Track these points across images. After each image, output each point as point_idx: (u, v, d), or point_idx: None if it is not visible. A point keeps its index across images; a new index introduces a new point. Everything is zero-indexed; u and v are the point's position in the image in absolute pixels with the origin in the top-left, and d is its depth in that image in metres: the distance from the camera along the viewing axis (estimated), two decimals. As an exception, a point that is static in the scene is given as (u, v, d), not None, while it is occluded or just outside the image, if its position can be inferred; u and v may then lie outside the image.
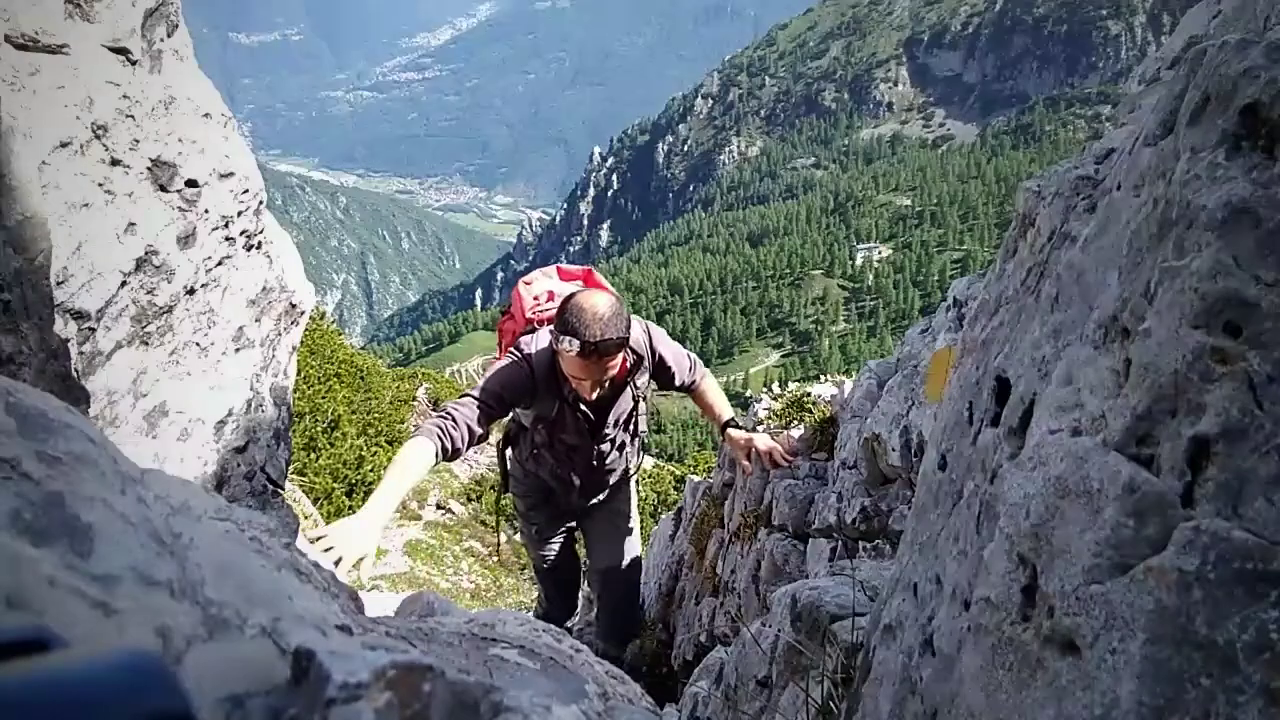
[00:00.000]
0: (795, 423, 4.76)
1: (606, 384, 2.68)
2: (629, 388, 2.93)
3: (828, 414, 4.49)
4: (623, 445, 3.20)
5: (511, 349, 2.77)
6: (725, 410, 3.27)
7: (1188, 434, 0.42)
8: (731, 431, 3.22)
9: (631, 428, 3.16)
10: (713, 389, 3.21)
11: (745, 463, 3.30)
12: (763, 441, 3.22)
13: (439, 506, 12.24)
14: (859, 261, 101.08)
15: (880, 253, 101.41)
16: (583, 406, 2.84)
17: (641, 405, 3.05)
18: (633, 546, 3.60)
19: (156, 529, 0.39)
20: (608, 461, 3.18)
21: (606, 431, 3.03)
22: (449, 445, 2.44)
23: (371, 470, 9.20)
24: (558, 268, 3.17)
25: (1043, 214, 0.71)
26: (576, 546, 3.90)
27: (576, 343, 2.40)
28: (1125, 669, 0.41)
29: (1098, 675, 0.43)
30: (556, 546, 3.65)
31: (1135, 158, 0.55)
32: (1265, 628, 0.36)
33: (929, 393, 2.76)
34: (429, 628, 0.59)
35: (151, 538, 0.38)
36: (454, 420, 2.46)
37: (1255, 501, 0.38)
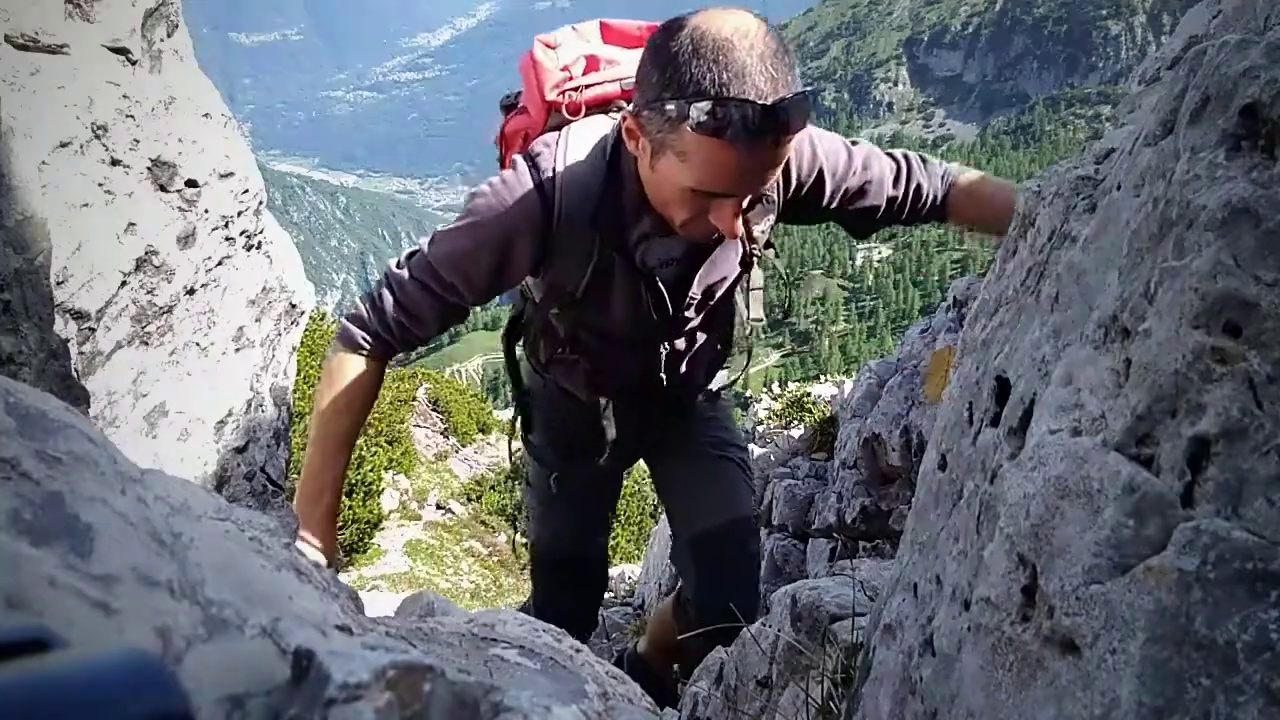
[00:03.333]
0: (795, 423, 4.76)
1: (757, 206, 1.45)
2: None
3: (828, 414, 4.49)
4: (716, 345, 1.89)
5: (518, 158, 1.52)
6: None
7: (1188, 434, 0.42)
8: None
9: (735, 313, 1.82)
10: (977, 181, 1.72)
11: None
12: None
13: (439, 506, 12.24)
14: (859, 261, 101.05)
15: (880, 253, 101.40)
16: (647, 262, 1.58)
17: (756, 271, 1.73)
18: (742, 496, 2.07)
19: (156, 529, 0.39)
20: (685, 372, 1.86)
21: (687, 316, 1.72)
22: (383, 364, 1.55)
23: (371, 470, 9.20)
24: (601, 23, 1.78)
25: (1043, 214, 0.71)
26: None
27: (736, 113, 1.20)
28: (1125, 669, 0.41)
29: (1098, 675, 0.43)
30: (582, 519, 2.18)
31: (1135, 158, 0.55)
32: (1265, 628, 0.36)
33: (929, 393, 2.76)
34: (429, 628, 0.59)
35: (151, 538, 0.38)
36: (387, 325, 1.50)
37: (1255, 501, 0.38)
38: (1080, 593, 0.45)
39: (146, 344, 2.62)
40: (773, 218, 1.64)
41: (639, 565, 7.40)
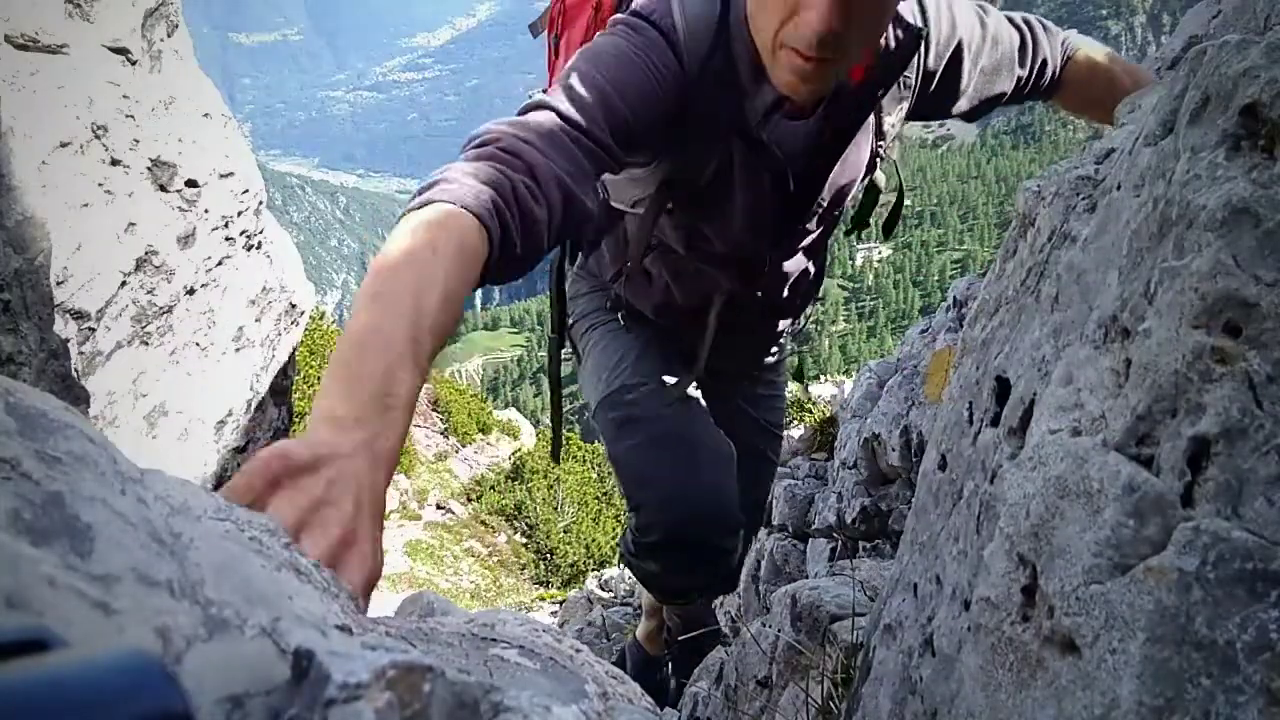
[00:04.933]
0: (795, 423, 4.76)
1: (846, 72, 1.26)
2: (869, 114, 1.38)
3: (828, 414, 4.49)
4: (810, 278, 1.71)
5: (623, 19, 1.24)
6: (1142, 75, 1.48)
7: (1188, 434, 0.42)
8: None
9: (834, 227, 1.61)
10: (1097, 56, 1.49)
11: None
12: None
13: (439, 506, 12.24)
14: (859, 261, 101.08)
15: (880, 253, 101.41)
16: (779, 144, 1.34)
17: (879, 173, 1.53)
18: (765, 488, 2.10)
19: (156, 529, 0.39)
20: (780, 303, 1.68)
21: (808, 228, 1.53)
22: (509, 237, 0.98)
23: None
24: None
25: (1043, 214, 0.71)
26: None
27: None
28: (1125, 669, 0.41)
29: (1098, 675, 0.43)
30: (677, 390, 1.74)
31: (1135, 158, 0.55)
32: (1265, 628, 0.36)
33: (929, 393, 2.76)
34: (429, 628, 0.59)
35: (151, 538, 0.38)
36: (528, 165, 1.01)
37: (1255, 501, 0.38)
38: (1080, 593, 0.45)
39: (146, 344, 2.62)
40: (905, 108, 1.42)
41: (639, 565, 7.37)
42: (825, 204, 1.48)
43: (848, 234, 1.79)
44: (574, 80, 1.13)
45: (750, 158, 1.35)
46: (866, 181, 1.54)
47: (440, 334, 0.85)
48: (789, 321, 1.85)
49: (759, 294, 1.62)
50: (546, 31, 1.58)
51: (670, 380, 1.73)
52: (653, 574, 1.73)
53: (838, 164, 1.42)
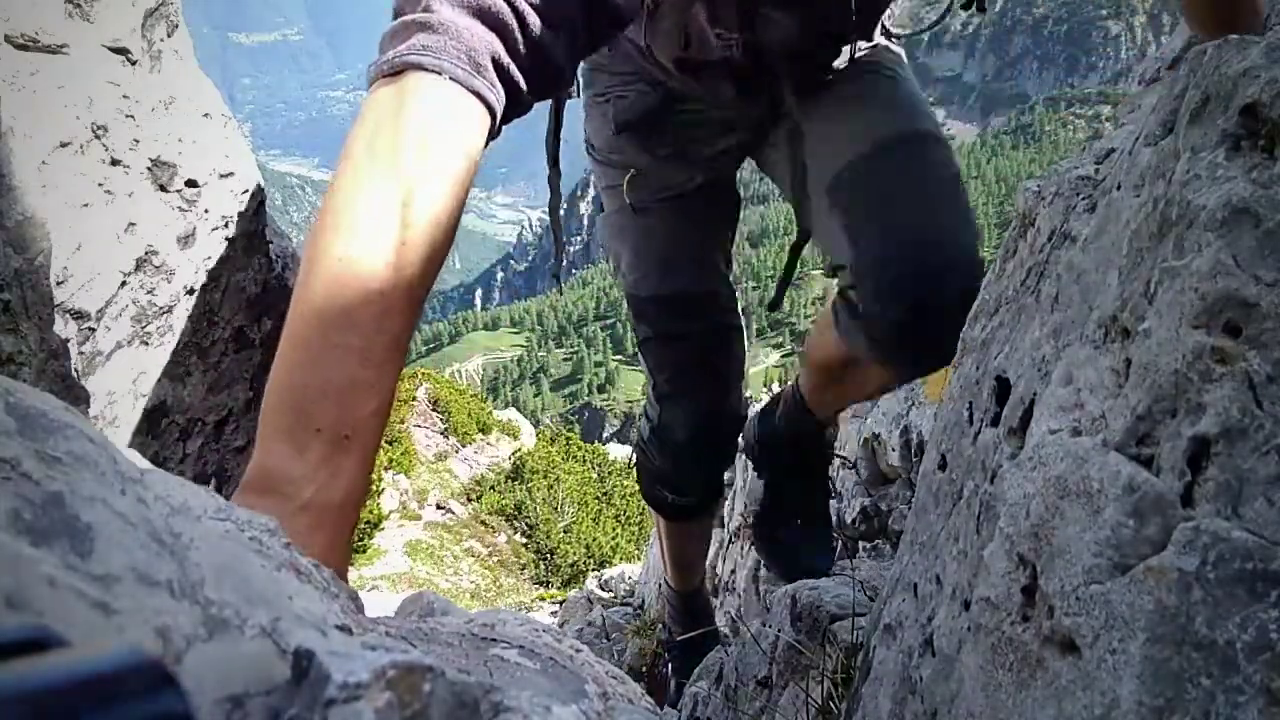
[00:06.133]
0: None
1: None
2: None
3: (828, 414, 4.47)
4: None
5: None
6: None
7: (1188, 434, 0.42)
8: None
9: None
10: None
11: None
12: None
13: (439, 506, 12.24)
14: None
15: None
16: None
17: None
18: (920, 109, 1.54)
19: (156, 529, 0.39)
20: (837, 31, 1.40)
21: None
22: (516, 88, 0.79)
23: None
24: None
25: (1043, 214, 0.71)
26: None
27: None
28: (1125, 669, 0.41)
29: (1098, 675, 0.43)
30: (687, 236, 1.65)
31: (1135, 158, 0.55)
32: (1265, 628, 0.36)
33: (929, 393, 2.76)
34: (429, 628, 0.59)
35: (151, 538, 0.38)
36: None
37: (1255, 501, 0.38)
38: (1080, 593, 0.45)
39: (146, 344, 2.62)
40: None
41: (639, 565, 7.40)
42: None
43: None
44: None
45: None
46: None
47: (429, 275, 0.67)
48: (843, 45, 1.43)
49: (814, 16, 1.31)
50: None
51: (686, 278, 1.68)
52: (663, 473, 1.87)
53: None
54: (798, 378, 2.02)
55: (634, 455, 2.12)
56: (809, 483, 2.05)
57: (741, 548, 3.61)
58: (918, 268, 1.13)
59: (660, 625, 2.48)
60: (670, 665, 2.51)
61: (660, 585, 2.51)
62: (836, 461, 3.66)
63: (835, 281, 1.41)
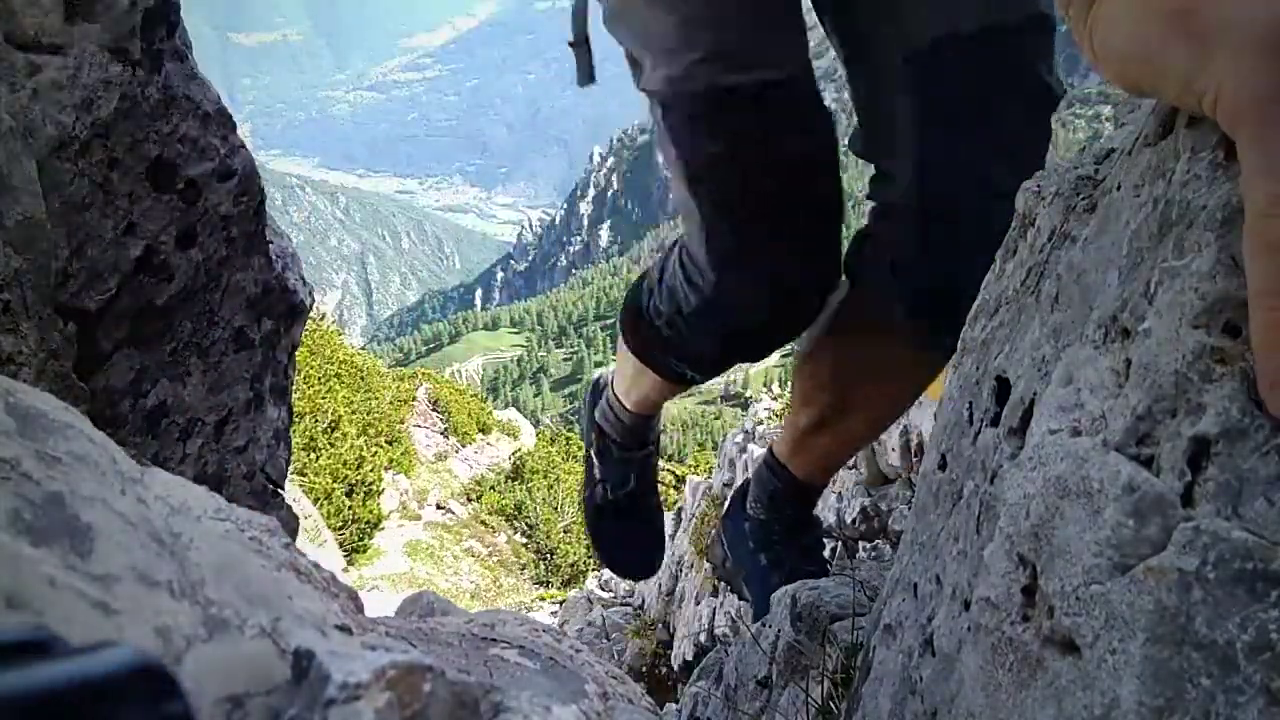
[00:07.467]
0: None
1: None
2: None
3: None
4: None
5: None
6: None
7: (1188, 434, 0.42)
8: None
9: None
10: None
11: None
12: None
13: (439, 506, 12.24)
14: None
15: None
16: None
17: None
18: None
19: (156, 529, 0.39)
20: None
21: None
22: None
23: (371, 470, 9.21)
24: None
25: (1043, 214, 0.71)
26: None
27: None
28: (1125, 669, 0.41)
29: (1098, 675, 0.43)
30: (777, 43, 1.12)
31: (1135, 158, 0.55)
32: (1265, 628, 0.36)
33: (929, 392, 2.76)
34: (429, 628, 0.59)
35: (151, 538, 0.38)
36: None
37: (1255, 501, 0.38)
38: (1080, 593, 0.45)
39: (146, 344, 2.62)
40: None
41: (639, 565, 7.38)
42: None
43: None
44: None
45: None
46: None
47: None
48: None
49: None
50: None
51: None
52: (695, 356, 1.39)
53: None
54: (770, 448, 1.78)
55: (625, 317, 1.56)
56: (802, 542, 1.68)
57: (741, 548, 3.62)
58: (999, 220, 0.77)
59: (594, 430, 1.97)
60: (600, 467, 2.02)
61: (607, 401, 1.94)
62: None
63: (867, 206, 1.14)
